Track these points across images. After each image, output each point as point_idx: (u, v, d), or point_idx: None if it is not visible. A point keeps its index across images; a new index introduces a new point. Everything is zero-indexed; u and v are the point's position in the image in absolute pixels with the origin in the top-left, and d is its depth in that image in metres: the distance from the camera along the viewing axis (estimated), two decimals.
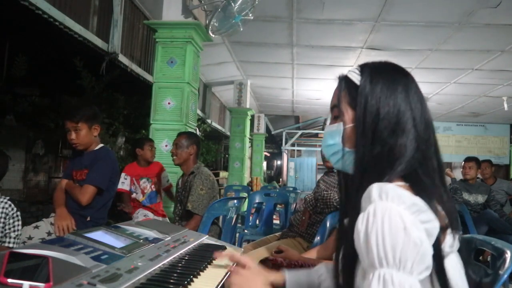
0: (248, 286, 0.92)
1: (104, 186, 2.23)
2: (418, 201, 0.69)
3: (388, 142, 0.78)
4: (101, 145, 2.35)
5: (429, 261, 0.67)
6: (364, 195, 0.73)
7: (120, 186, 3.14)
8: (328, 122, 0.93)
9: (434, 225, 0.69)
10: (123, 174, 3.23)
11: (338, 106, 0.87)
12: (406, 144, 0.78)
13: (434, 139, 0.82)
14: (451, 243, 0.76)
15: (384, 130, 0.79)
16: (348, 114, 0.85)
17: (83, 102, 4.62)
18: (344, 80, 0.88)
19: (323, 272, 1.06)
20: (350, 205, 0.80)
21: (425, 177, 0.77)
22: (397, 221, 0.67)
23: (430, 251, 0.67)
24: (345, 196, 0.92)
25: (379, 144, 0.78)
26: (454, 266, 0.77)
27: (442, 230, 0.72)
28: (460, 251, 0.80)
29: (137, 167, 3.31)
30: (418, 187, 0.74)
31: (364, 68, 0.86)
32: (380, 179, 0.75)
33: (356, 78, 0.85)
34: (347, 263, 0.77)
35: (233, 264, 1.16)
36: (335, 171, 0.98)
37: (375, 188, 0.71)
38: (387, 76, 0.83)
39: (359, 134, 0.81)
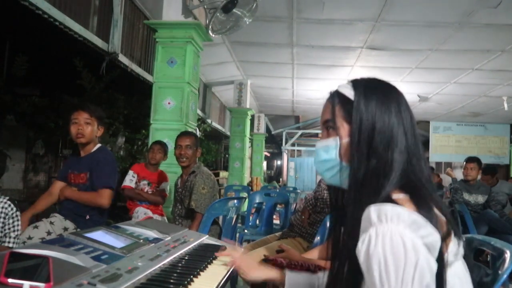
0: (251, 264, 1.14)
1: (115, 186, 2.33)
2: (417, 217, 0.69)
3: (383, 156, 0.80)
4: (99, 145, 2.39)
5: (427, 279, 0.67)
6: (364, 216, 0.73)
7: (128, 183, 3.16)
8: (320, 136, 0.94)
9: (435, 238, 0.69)
10: (131, 172, 3.22)
11: (332, 120, 0.88)
12: (399, 157, 0.80)
13: (423, 151, 0.85)
14: (455, 251, 0.76)
15: (380, 144, 0.81)
16: (344, 128, 0.86)
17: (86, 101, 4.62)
18: (337, 95, 0.89)
19: (323, 276, 1.07)
20: (349, 220, 0.79)
21: (421, 186, 0.78)
22: (398, 243, 0.67)
23: (428, 269, 0.67)
24: (338, 211, 0.92)
25: (374, 158, 0.80)
26: (460, 275, 0.77)
27: (444, 239, 0.72)
28: (465, 256, 0.80)
29: (144, 169, 3.30)
30: (417, 197, 0.75)
31: (357, 84, 0.88)
32: (377, 192, 0.76)
33: (349, 93, 0.87)
34: (352, 279, 0.77)
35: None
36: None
37: (373, 211, 0.71)
38: (380, 92, 0.86)
39: (354, 148, 0.82)
